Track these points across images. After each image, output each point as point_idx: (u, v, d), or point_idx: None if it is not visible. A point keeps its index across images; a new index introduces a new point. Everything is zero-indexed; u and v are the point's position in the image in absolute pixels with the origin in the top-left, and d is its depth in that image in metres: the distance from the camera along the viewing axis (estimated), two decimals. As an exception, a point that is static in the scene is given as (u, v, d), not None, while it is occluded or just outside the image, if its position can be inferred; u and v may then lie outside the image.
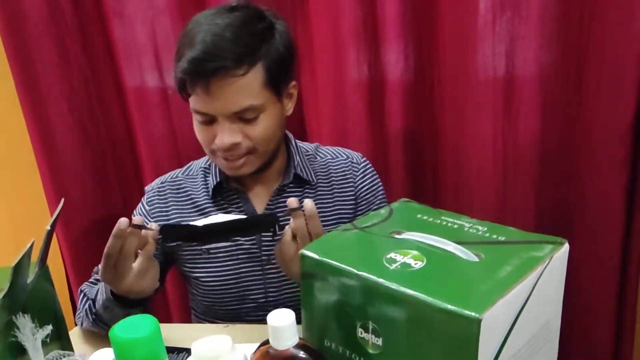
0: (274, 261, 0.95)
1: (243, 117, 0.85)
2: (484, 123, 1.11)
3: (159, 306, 1.42)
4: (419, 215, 0.64)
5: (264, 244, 0.96)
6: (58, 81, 1.29)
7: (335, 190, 1.00)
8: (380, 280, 0.51)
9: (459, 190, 1.16)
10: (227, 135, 0.86)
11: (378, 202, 1.02)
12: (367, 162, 1.04)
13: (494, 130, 1.11)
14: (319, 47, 1.16)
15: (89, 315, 0.89)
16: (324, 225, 0.96)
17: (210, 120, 0.87)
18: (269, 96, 0.87)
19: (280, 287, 0.97)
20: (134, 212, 1.01)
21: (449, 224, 0.62)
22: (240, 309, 0.98)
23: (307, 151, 1.03)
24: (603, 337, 1.12)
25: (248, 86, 0.83)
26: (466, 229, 0.60)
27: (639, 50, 0.96)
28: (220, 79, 0.81)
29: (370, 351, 0.53)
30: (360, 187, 1.01)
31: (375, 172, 1.04)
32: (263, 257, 0.96)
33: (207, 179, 0.99)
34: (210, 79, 0.81)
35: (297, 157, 0.99)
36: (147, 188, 1.03)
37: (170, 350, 0.82)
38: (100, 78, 1.33)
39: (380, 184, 1.04)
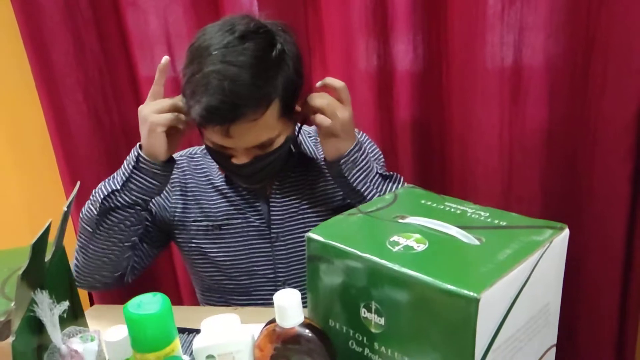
0: (282, 238, 0.99)
1: (260, 146, 0.87)
2: (492, 112, 1.11)
3: (169, 289, 1.45)
4: (423, 201, 0.66)
5: (272, 221, 0.99)
6: (73, 70, 1.32)
7: None
8: (383, 261, 0.52)
9: (466, 179, 1.17)
10: (244, 159, 0.88)
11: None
12: (364, 135, 1.06)
13: (501, 120, 1.12)
14: (329, 37, 1.18)
15: (102, 192, 0.91)
16: (327, 203, 0.99)
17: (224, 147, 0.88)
18: (284, 123, 0.88)
19: (288, 263, 1.00)
20: None
21: (452, 210, 0.63)
22: (249, 284, 1.01)
23: (310, 133, 1.06)
24: (607, 324, 1.13)
25: (266, 123, 0.84)
26: (469, 214, 0.61)
27: (646, 40, 0.96)
28: (240, 124, 0.81)
29: (373, 330, 0.55)
30: None
31: (372, 143, 1.06)
32: (272, 235, 0.99)
33: None
34: (231, 125, 0.82)
35: (300, 136, 1.02)
36: None
37: (181, 330, 0.84)
38: (114, 67, 1.35)
39: (379, 151, 1.05)
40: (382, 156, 1.06)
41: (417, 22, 1.15)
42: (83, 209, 0.93)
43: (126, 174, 0.90)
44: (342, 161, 0.90)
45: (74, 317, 0.68)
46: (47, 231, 0.56)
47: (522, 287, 0.51)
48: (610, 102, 1.02)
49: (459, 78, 1.12)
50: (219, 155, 0.90)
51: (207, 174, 1.03)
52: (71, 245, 1.02)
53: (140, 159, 0.89)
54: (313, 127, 1.07)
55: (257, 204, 1.00)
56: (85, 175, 1.37)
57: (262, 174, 0.91)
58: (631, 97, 1.00)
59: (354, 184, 0.92)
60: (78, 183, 0.73)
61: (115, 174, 0.93)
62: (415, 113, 1.21)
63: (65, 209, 0.61)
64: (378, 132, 1.23)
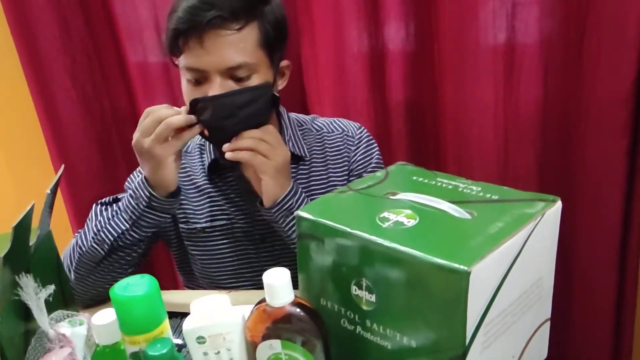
0: (268, 240, 0.96)
1: (235, 74, 0.83)
2: (485, 91, 1.10)
3: (165, 274, 1.45)
4: (414, 177, 0.65)
5: (257, 222, 0.96)
6: (61, 56, 1.30)
7: (330, 165, 0.98)
8: (373, 237, 0.52)
9: (461, 158, 1.16)
10: (217, 90, 0.82)
11: (370, 170, 0.98)
12: (363, 131, 1.00)
13: (495, 98, 1.11)
14: (320, 17, 1.16)
15: (104, 219, 0.87)
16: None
17: (200, 79, 0.84)
18: (263, 58, 0.85)
19: (277, 263, 0.95)
20: (128, 181, 1.01)
21: (444, 185, 0.62)
22: (237, 287, 0.99)
23: (302, 125, 1.01)
24: (604, 299, 1.13)
25: (243, 42, 0.82)
26: (461, 189, 0.60)
27: (639, 14, 0.95)
28: (216, 31, 0.80)
29: (365, 308, 0.54)
30: (353, 159, 0.98)
31: (371, 140, 1.00)
32: (256, 236, 0.97)
33: (203, 156, 0.98)
34: (206, 30, 0.80)
35: (290, 132, 0.97)
36: None
37: (175, 314, 0.84)
38: (102, 52, 1.34)
39: (375, 151, 1.00)
40: (378, 161, 1.00)
41: (408, 0, 1.13)
42: (84, 245, 0.88)
43: (136, 212, 0.85)
44: (275, 209, 0.86)
45: (63, 301, 0.67)
46: (29, 213, 0.55)
47: (514, 260, 0.50)
48: (604, 76, 1.01)
49: (452, 56, 1.10)
50: (198, 104, 0.83)
51: (190, 173, 0.98)
52: (64, 236, 1.01)
53: (153, 198, 0.84)
54: (306, 117, 1.04)
55: (242, 203, 0.96)
56: (76, 162, 1.36)
57: (238, 118, 0.83)
58: (626, 71, 0.99)
59: (289, 233, 0.88)
60: (62, 166, 0.72)
61: (116, 207, 0.88)
62: (409, 93, 1.20)
63: (49, 192, 0.60)
64: (371, 113, 1.21)
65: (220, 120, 0.83)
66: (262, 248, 0.97)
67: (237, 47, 0.82)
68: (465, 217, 0.54)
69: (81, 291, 0.91)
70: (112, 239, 0.86)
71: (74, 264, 0.89)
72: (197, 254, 0.98)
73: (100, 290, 0.90)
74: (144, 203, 0.85)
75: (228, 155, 0.83)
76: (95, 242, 0.87)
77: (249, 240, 0.97)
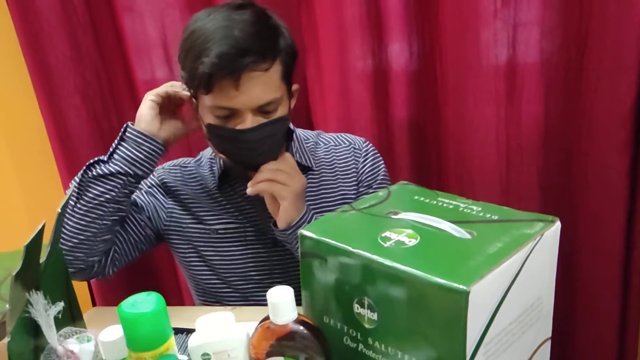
0: (280, 244, 0.98)
1: (264, 109, 0.88)
2: (488, 110, 1.11)
3: (171, 289, 1.46)
4: (416, 197, 0.66)
5: (269, 228, 0.98)
6: (71, 74, 1.32)
7: (339, 176, 1.02)
8: (375, 257, 0.53)
9: (463, 177, 1.17)
10: (249, 123, 0.87)
11: (378, 182, 1.03)
12: (369, 145, 1.06)
13: (496, 117, 1.12)
14: (324, 38, 1.18)
15: (93, 169, 0.91)
16: (325, 211, 0.99)
17: (229, 115, 0.88)
18: (285, 90, 0.91)
19: (286, 269, 1.00)
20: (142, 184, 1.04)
21: (445, 205, 0.63)
22: (246, 289, 1.02)
23: (308, 139, 1.05)
24: (606, 319, 1.12)
25: (271, 80, 0.86)
26: (461, 209, 0.62)
27: (639, 34, 0.96)
28: (249, 74, 0.83)
29: (366, 326, 0.55)
30: (361, 171, 1.03)
31: (377, 153, 1.06)
32: (269, 240, 0.99)
33: (214, 168, 1.03)
34: (241, 74, 0.83)
35: (297, 144, 1.01)
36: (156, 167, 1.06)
37: (180, 330, 0.85)
38: (112, 71, 1.36)
39: (381, 164, 1.05)
40: (385, 174, 1.05)
41: (411, 21, 1.15)
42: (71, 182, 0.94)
43: (113, 146, 0.92)
44: (289, 231, 0.90)
45: (71, 318, 0.68)
46: (41, 232, 0.56)
47: (513, 280, 0.51)
48: (605, 96, 1.02)
49: (454, 76, 1.12)
50: (222, 132, 0.88)
51: (201, 182, 1.03)
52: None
53: (128, 128, 0.92)
54: (311, 133, 1.08)
55: (252, 210, 1.00)
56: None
57: (265, 145, 0.89)
58: (626, 91, 1.00)
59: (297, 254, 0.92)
60: (71, 184, 0.73)
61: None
62: (412, 111, 1.21)
63: (59, 210, 0.62)
64: (375, 130, 1.23)
65: (247, 147, 0.89)
66: (274, 252, 1.00)
67: (267, 85, 0.86)
68: (465, 237, 0.55)
69: (62, 242, 0.91)
70: (88, 164, 0.91)
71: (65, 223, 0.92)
72: (208, 254, 1.01)
73: (76, 242, 0.91)
74: (120, 135, 0.93)
75: (248, 191, 0.89)
76: (77, 176, 0.91)
77: (261, 243, 1.00)
